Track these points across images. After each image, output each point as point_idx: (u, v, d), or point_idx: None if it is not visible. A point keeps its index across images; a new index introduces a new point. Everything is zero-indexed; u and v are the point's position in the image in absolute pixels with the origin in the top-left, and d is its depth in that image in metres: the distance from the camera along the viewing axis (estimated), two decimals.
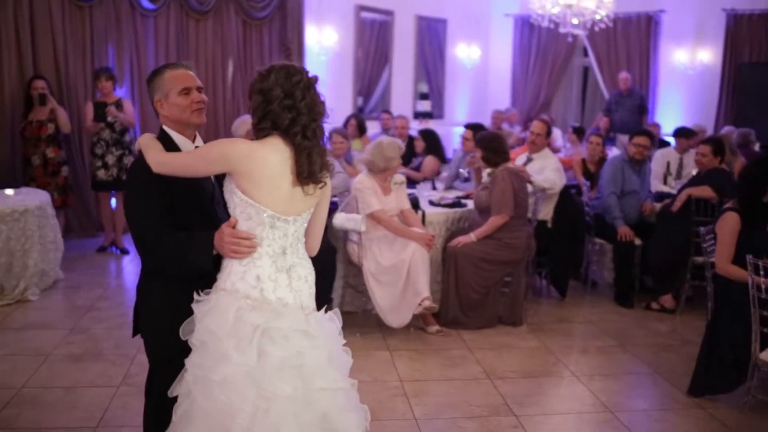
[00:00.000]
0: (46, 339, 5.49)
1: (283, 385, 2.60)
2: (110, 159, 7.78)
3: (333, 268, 5.83)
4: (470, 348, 5.61)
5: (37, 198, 6.61)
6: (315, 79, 2.75)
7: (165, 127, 2.97)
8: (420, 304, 5.63)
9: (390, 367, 5.23)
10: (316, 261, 5.63)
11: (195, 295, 2.72)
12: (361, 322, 5.97)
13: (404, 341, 5.71)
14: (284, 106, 2.65)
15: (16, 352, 5.25)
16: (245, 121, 6.18)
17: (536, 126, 7.05)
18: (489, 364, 5.30)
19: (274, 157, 2.66)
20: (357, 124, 9.50)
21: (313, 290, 2.87)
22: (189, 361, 2.69)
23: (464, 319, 5.98)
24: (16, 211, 6.20)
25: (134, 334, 3.12)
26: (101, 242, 8.21)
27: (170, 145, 2.90)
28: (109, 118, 7.78)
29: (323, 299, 5.75)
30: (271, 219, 2.70)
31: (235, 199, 2.71)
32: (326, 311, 2.89)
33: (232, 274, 2.72)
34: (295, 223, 2.78)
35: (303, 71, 2.72)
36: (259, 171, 2.65)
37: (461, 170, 7.54)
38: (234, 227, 2.70)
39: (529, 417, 4.50)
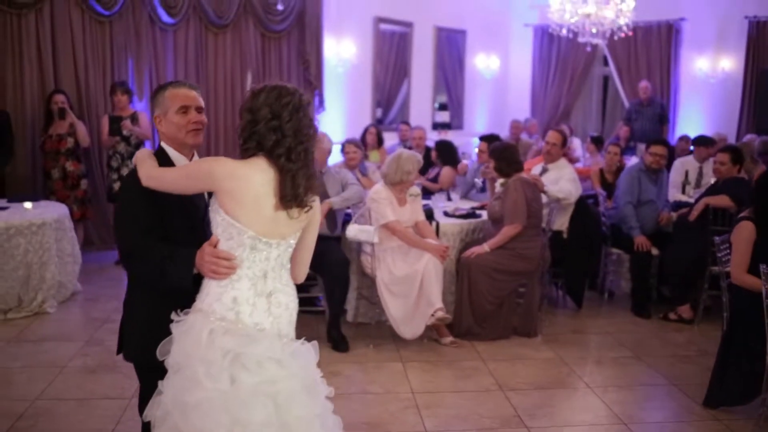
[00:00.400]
0: (62, 351, 5.54)
1: (257, 411, 2.55)
2: (126, 172, 7.82)
3: (347, 279, 5.83)
4: (484, 359, 5.58)
5: (54, 211, 6.67)
6: (307, 102, 2.70)
7: (163, 144, 2.98)
8: (433, 315, 5.61)
9: (402, 378, 5.22)
10: (331, 272, 5.69)
11: (173, 315, 2.68)
12: (374, 333, 5.97)
13: (417, 352, 5.69)
14: (270, 127, 2.61)
15: (33, 364, 5.30)
16: None
17: (551, 136, 7.01)
18: (502, 376, 5.27)
19: (258, 177, 2.61)
20: (376, 134, 9.52)
21: (293, 318, 2.81)
22: (165, 384, 2.65)
23: (478, 330, 5.96)
24: (34, 224, 6.26)
25: (119, 352, 3.09)
26: None
27: (167, 162, 2.91)
28: (125, 132, 7.89)
29: (337, 311, 5.79)
30: (253, 241, 2.64)
31: (217, 218, 2.66)
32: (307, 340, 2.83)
33: (210, 294, 2.67)
34: (279, 248, 2.71)
35: (296, 92, 2.67)
36: (242, 191, 2.60)
37: (476, 180, 7.54)
38: (215, 246, 2.66)
39: (540, 429, 4.46)
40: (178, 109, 2.90)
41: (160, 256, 2.72)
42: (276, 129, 2.61)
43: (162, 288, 2.77)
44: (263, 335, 2.66)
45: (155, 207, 2.80)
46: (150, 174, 2.77)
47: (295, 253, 2.84)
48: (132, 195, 2.83)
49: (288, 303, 2.77)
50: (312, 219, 2.83)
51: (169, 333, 2.68)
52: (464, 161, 8.13)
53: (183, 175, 2.75)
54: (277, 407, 2.60)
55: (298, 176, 2.64)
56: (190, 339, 2.60)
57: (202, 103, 2.98)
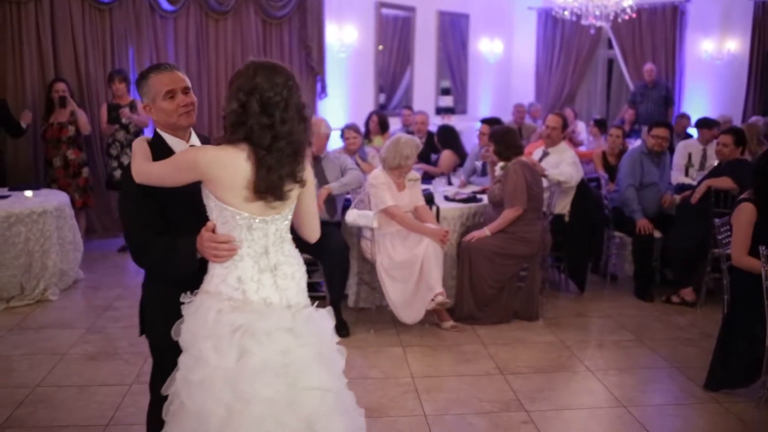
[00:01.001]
0: (63, 338, 5.56)
1: (263, 387, 2.55)
2: (125, 159, 7.81)
3: (347, 264, 5.82)
4: (484, 343, 5.57)
5: (55, 199, 6.68)
6: (295, 102, 2.64)
7: (158, 130, 2.96)
8: (433, 300, 5.60)
9: (402, 363, 5.21)
10: (331, 258, 5.67)
11: (183, 297, 2.70)
12: (375, 318, 5.96)
13: (418, 337, 5.69)
14: (262, 124, 2.57)
15: (34, 351, 5.31)
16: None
17: (551, 120, 6.97)
18: (502, 360, 5.25)
19: (242, 164, 2.59)
20: (378, 121, 9.48)
21: (303, 286, 2.81)
22: (179, 361, 2.68)
23: (479, 314, 5.94)
24: (35, 212, 6.27)
25: (141, 333, 3.12)
26: (122, 242, 8.27)
27: (164, 148, 2.89)
28: (123, 120, 7.88)
29: (338, 296, 5.78)
30: (247, 221, 2.64)
31: (210, 203, 2.68)
32: (318, 306, 2.83)
33: (215, 276, 2.69)
34: (275, 222, 2.71)
35: (284, 89, 2.61)
36: (229, 177, 2.59)
37: (476, 162, 7.51)
38: (213, 231, 2.67)
39: (540, 413, 4.45)
40: (165, 94, 2.86)
41: (162, 249, 2.75)
42: (268, 127, 2.58)
43: (169, 277, 2.82)
44: (271, 309, 2.67)
45: (154, 198, 2.79)
46: (139, 170, 2.77)
47: (297, 218, 2.85)
48: (129, 189, 2.83)
49: (294, 273, 2.77)
50: (307, 183, 2.78)
51: (181, 313, 2.71)
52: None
53: (169, 168, 2.72)
54: (287, 380, 2.60)
55: (277, 169, 2.61)
56: (198, 319, 2.63)
57: (188, 82, 2.94)
